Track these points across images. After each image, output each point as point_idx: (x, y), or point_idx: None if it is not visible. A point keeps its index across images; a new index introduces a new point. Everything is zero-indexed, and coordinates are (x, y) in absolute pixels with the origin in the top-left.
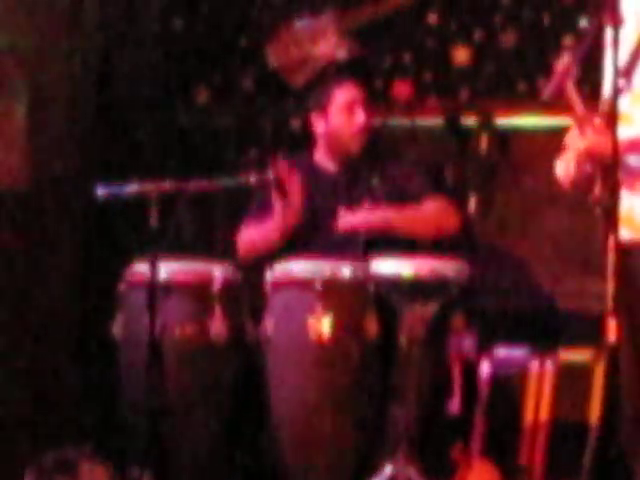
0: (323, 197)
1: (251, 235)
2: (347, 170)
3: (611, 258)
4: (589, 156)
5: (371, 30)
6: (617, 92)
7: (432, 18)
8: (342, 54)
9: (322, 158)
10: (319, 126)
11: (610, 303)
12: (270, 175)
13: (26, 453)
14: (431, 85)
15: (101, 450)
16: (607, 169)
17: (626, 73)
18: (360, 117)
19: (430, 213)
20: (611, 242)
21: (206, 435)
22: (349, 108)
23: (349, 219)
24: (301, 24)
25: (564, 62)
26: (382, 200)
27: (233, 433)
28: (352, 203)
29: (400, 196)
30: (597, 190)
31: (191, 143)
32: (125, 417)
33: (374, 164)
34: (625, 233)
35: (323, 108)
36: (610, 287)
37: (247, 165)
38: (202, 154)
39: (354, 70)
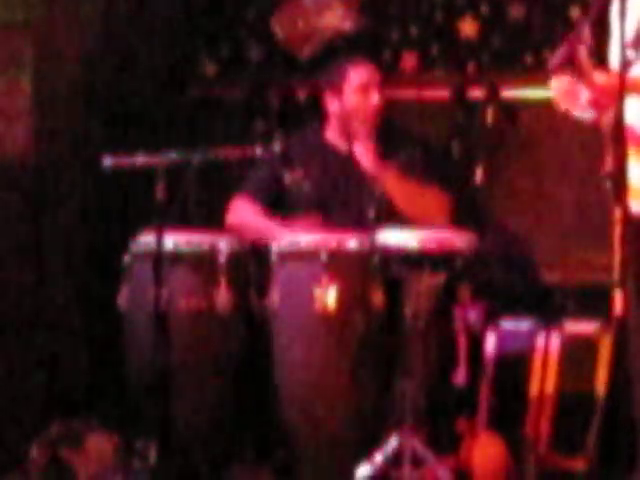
0: (334, 176)
1: (245, 219)
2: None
3: (618, 230)
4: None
5: (378, 2)
6: (626, 64)
7: None
8: (348, 26)
9: (334, 136)
10: (332, 105)
11: (617, 275)
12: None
13: (32, 424)
14: (438, 58)
15: (107, 421)
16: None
17: (635, 44)
18: (374, 99)
19: (426, 197)
20: (618, 214)
21: (212, 406)
22: (364, 89)
23: (362, 151)
24: None
25: (573, 33)
26: None
27: (239, 404)
28: (364, 182)
29: None
30: (607, 162)
31: (198, 115)
32: (131, 388)
33: (384, 143)
34: (635, 205)
35: (337, 87)
36: (617, 259)
37: (254, 137)
38: (209, 126)
39: (365, 46)
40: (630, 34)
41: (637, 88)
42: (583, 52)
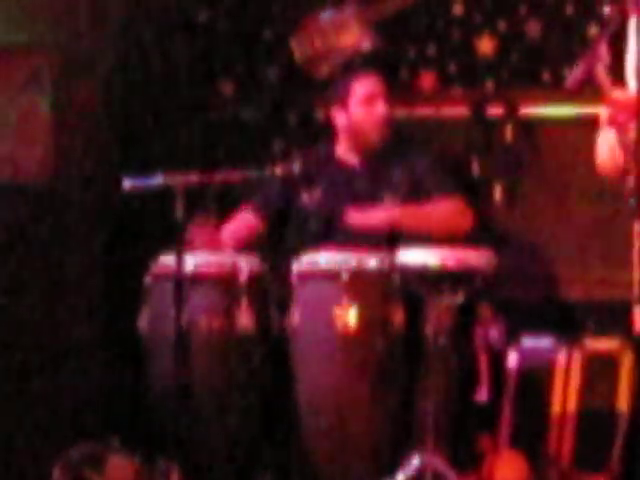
0: (345, 190)
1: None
2: (369, 163)
3: (637, 246)
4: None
5: (395, 21)
6: None
7: (457, 9)
8: (366, 45)
9: (344, 151)
10: (340, 119)
11: (637, 292)
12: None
13: (54, 447)
14: (456, 76)
15: (129, 443)
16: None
17: None
18: (380, 109)
19: (441, 213)
20: (637, 230)
21: (234, 427)
22: (369, 100)
23: (356, 217)
24: (325, 16)
25: (591, 51)
26: (403, 193)
27: (261, 425)
28: (374, 196)
29: (418, 190)
30: (629, 180)
31: (217, 135)
32: (153, 410)
33: (396, 156)
34: None
35: (343, 101)
36: (637, 276)
37: (273, 157)
38: (228, 146)
39: (375, 62)
40: None
41: None
42: (601, 69)
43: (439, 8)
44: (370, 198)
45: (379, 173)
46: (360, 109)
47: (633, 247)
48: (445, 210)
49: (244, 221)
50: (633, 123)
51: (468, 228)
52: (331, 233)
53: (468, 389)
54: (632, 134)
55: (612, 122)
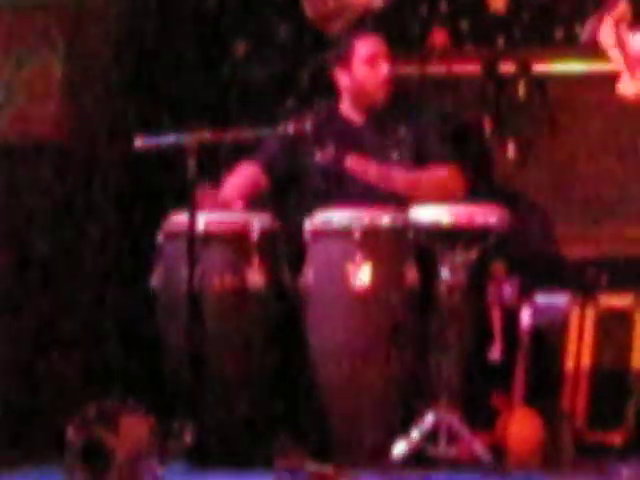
0: (351, 149)
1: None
2: (374, 121)
3: None
4: None
5: None
6: None
7: None
8: (378, 2)
9: (348, 110)
10: (343, 79)
11: None
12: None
13: (69, 405)
14: (468, 33)
15: (143, 402)
16: None
17: None
18: (383, 69)
19: (433, 181)
20: None
21: (247, 386)
22: (372, 60)
23: (354, 163)
24: None
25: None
26: (408, 150)
27: (274, 383)
28: (380, 153)
29: (421, 149)
30: None
31: (229, 94)
32: (166, 369)
33: (401, 114)
34: None
35: (345, 61)
36: None
37: (285, 115)
38: (240, 105)
39: (379, 21)
40: None
41: None
42: (607, 26)
43: None
44: (376, 155)
45: (384, 131)
46: (363, 69)
47: None
48: (438, 178)
49: (249, 175)
50: None
51: (460, 197)
52: (343, 191)
53: (482, 346)
54: None
55: (628, 69)
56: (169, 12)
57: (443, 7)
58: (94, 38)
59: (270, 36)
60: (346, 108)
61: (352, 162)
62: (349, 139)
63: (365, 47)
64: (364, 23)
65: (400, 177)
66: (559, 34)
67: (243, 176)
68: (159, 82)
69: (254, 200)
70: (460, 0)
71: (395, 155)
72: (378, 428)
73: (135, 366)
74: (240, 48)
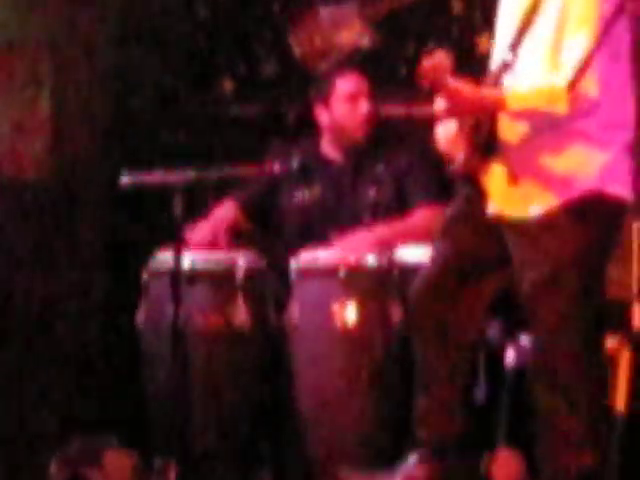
0: (330, 187)
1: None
2: (352, 160)
3: (636, 245)
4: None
5: (395, 18)
6: (504, 67)
7: (457, 7)
8: (366, 42)
9: (328, 148)
10: (323, 117)
11: (636, 289)
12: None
13: (51, 443)
14: (455, 73)
15: (126, 439)
16: None
17: (513, 47)
18: (363, 107)
19: (419, 226)
20: (635, 228)
21: (231, 424)
22: (352, 98)
23: (344, 248)
24: (324, 12)
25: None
26: (386, 190)
27: (258, 422)
28: (357, 193)
29: (401, 188)
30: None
31: (215, 132)
32: (149, 406)
33: (380, 153)
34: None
35: (326, 99)
36: (636, 273)
37: (271, 154)
38: (226, 143)
39: (361, 59)
40: (507, 37)
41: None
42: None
43: (439, 7)
44: (354, 195)
45: (363, 170)
46: (342, 107)
47: (630, 245)
48: (422, 223)
49: (221, 215)
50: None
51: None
52: (320, 231)
53: (466, 387)
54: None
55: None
56: (157, 49)
57: (430, 47)
58: (82, 74)
59: (257, 74)
60: (326, 146)
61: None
62: (327, 178)
63: (345, 85)
64: (351, 62)
65: (385, 237)
66: None
67: (213, 216)
68: (146, 119)
69: (235, 238)
70: (448, 40)
71: (372, 194)
72: (363, 467)
73: (118, 403)
74: (227, 85)
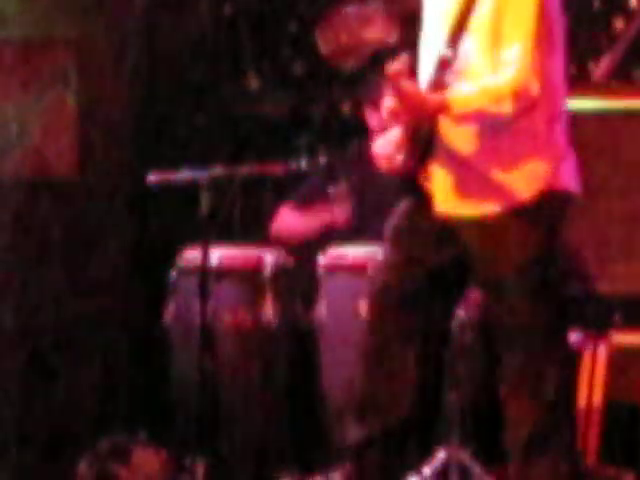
0: (378, 190)
1: (290, 221)
2: None
3: None
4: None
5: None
6: (443, 63)
7: None
8: (391, 39)
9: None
10: (373, 119)
11: None
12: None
13: (81, 440)
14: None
15: (155, 437)
16: None
17: (451, 42)
18: None
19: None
20: None
21: (259, 421)
22: None
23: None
24: (351, 9)
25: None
26: None
27: (286, 418)
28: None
29: None
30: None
31: (242, 129)
32: (178, 404)
33: None
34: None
35: (376, 101)
36: None
37: (298, 151)
38: (253, 140)
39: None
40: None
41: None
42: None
43: None
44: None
45: None
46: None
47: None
48: None
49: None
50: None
51: None
52: (365, 233)
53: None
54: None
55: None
56: (183, 46)
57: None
58: (107, 72)
59: (284, 71)
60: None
61: None
62: (376, 181)
63: None
64: (379, 59)
65: None
66: (573, 70)
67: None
68: (173, 116)
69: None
70: None
71: None
72: (391, 464)
73: (147, 400)
74: (253, 83)
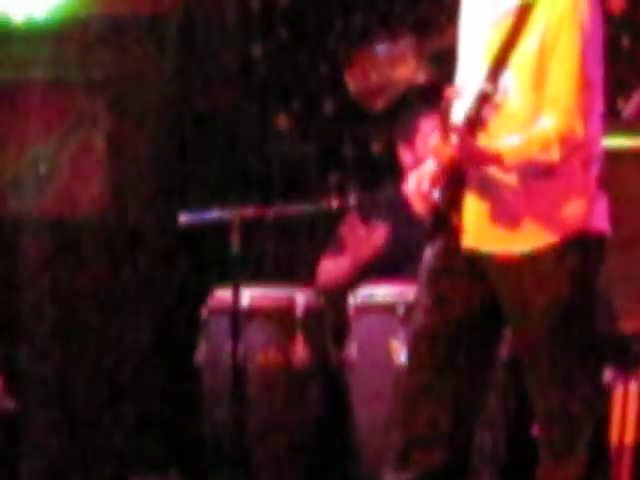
0: (411, 228)
1: (327, 267)
2: None
3: None
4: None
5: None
6: (484, 99)
7: None
8: (422, 78)
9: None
10: (406, 157)
11: None
12: (351, 204)
13: (113, 478)
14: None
15: (186, 477)
16: None
17: (491, 77)
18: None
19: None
20: None
21: (290, 462)
22: None
23: None
24: (380, 49)
25: None
26: None
27: (318, 460)
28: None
29: None
30: None
31: (273, 169)
32: (210, 443)
33: None
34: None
35: (410, 139)
36: None
37: (329, 190)
38: (284, 180)
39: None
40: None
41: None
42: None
43: None
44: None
45: None
46: (427, 148)
47: None
48: None
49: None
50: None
51: None
52: (398, 271)
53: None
54: None
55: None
56: (213, 87)
57: None
58: (137, 114)
59: (314, 111)
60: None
61: None
62: (409, 219)
63: (430, 126)
64: (408, 99)
65: None
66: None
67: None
68: (202, 156)
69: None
70: None
71: None
72: None
73: (179, 440)
74: (284, 122)
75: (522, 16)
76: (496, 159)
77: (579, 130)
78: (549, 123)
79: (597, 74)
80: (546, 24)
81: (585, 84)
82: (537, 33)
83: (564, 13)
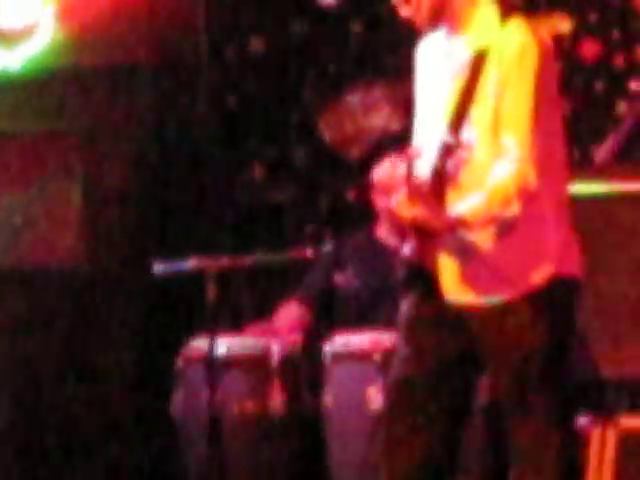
0: (386, 272)
1: (291, 314)
2: None
3: None
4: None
5: None
6: (447, 151)
7: None
8: (396, 126)
9: (385, 233)
10: (380, 201)
11: None
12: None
13: None
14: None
15: None
16: None
17: (453, 128)
18: None
19: None
20: None
21: None
22: None
23: None
24: (353, 97)
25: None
26: None
27: None
28: None
29: None
30: None
31: (247, 219)
32: None
33: None
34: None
35: (383, 185)
36: None
37: (304, 240)
38: (259, 229)
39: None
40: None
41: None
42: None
43: None
44: None
45: None
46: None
47: None
48: None
49: (291, 317)
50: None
51: None
52: (372, 316)
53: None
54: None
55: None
56: (186, 138)
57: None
58: (111, 164)
59: (288, 160)
60: (383, 231)
61: None
62: (382, 262)
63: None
64: (382, 147)
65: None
66: (575, 154)
67: (288, 317)
68: (176, 206)
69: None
70: None
71: None
72: None
73: None
74: (258, 172)
75: (477, 66)
76: (460, 224)
77: (531, 178)
78: (505, 172)
79: (553, 122)
80: (497, 74)
81: (537, 132)
82: (491, 84)
83: (511, 62)
